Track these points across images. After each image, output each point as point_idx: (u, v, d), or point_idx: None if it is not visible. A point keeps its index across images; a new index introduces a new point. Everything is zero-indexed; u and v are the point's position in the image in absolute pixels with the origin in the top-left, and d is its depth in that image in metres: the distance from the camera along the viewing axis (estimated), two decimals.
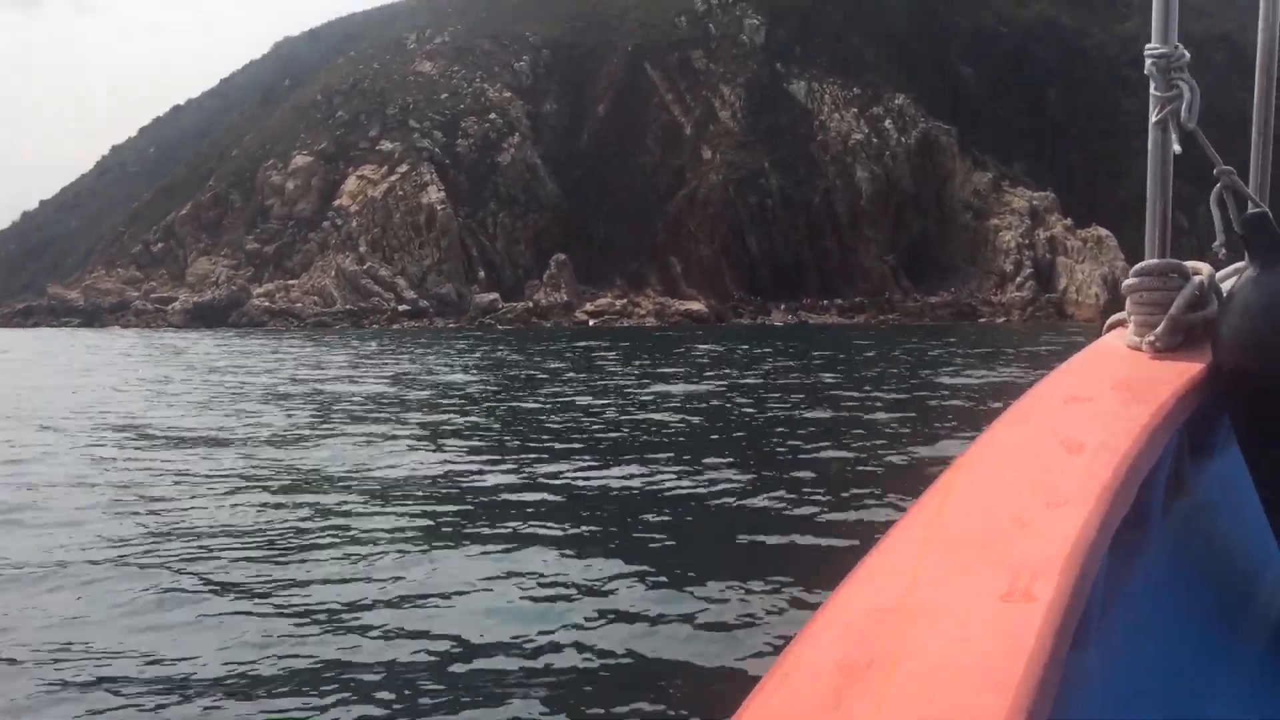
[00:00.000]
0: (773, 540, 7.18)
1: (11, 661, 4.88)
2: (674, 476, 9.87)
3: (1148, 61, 1.68)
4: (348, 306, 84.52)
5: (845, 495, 8.67)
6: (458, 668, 4.77)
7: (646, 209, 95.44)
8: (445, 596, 5.87)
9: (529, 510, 8.36)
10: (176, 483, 9.75)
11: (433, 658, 4.89)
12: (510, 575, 6.27)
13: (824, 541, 6.98)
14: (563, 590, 5.98)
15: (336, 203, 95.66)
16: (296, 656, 4.88)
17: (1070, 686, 0.89)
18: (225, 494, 9.14)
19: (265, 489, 9.45)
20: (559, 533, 7.54)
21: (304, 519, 8.06)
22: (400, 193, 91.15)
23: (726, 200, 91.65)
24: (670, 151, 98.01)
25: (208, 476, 10.07)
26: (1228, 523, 1.69)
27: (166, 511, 8.35)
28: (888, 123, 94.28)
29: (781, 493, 8.77)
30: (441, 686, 4.55)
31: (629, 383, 22.40)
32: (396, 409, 17.06)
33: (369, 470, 10.47)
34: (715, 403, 17.67)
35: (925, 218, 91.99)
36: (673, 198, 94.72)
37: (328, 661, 4.82)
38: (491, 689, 4.52)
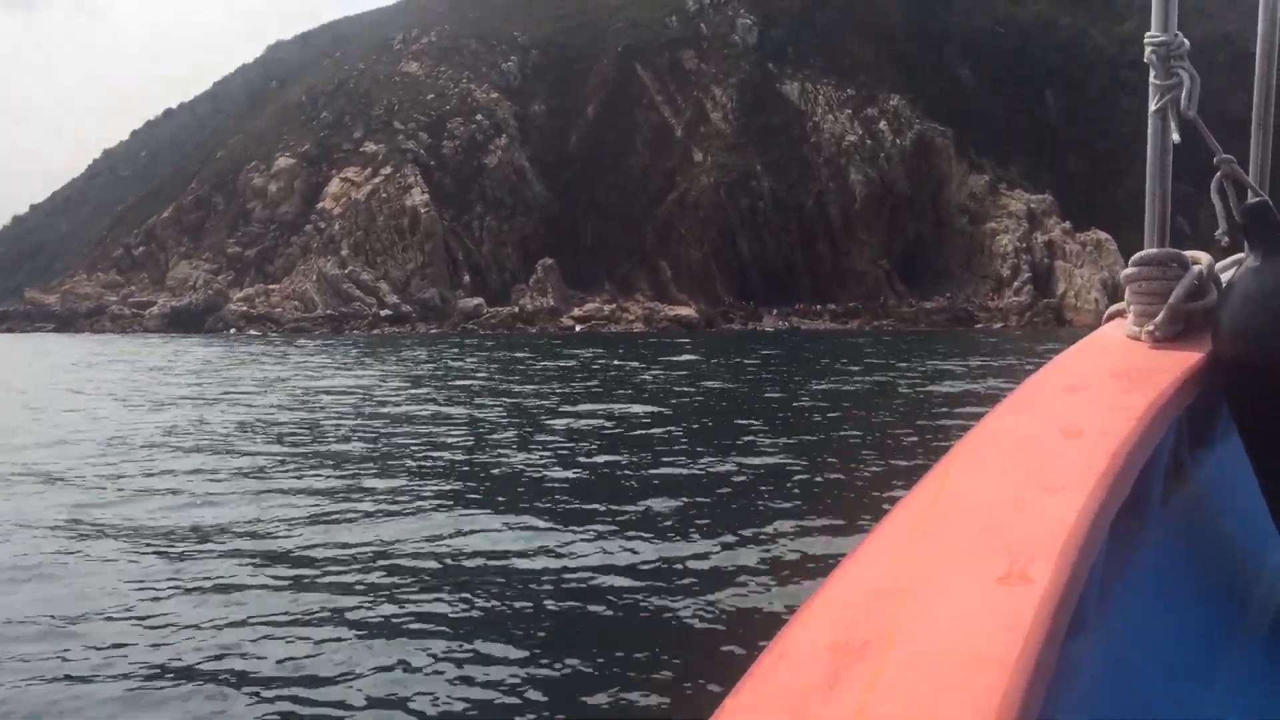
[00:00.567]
0: (764, 531, 7.31)
1: None
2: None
3: (1147, 49, 1.68)
4: (328, 312, 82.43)
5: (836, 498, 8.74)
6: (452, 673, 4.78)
7: (636, 212, 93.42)
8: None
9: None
10: None
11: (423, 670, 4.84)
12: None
13: (818, 532, 7.20)
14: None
15: (319, 205, 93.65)
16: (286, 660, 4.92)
17: (1067, 671, 0.89)
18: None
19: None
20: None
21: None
22: (383, 195, 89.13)
23: (717, 203, 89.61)
24: (660, 153, 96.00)
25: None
26: (1227, 511, 1.70)
27: None
28: (882, 124, 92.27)
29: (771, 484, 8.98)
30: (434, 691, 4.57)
31: (537, 405, 20.21)
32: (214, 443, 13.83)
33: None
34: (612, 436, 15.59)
35: (920, 221, 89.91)
36: (663, 200, 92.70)
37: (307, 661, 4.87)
38: (487, 681, 4.63)
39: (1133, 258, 1.73)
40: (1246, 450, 1.59)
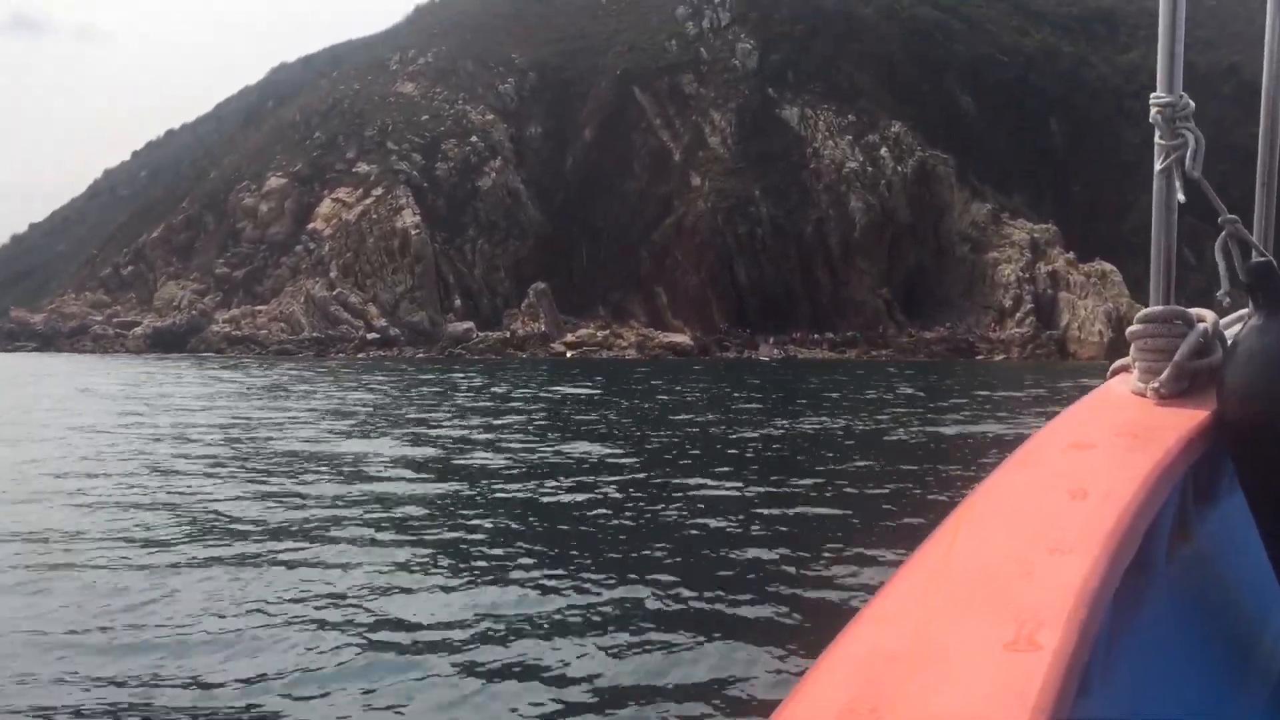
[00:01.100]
0: (772, 589, 6.98)
1: None
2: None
3: (1153, 110, 1.70)
4: (315, 334, 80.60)
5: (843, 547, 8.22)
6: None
7: (632, 237, 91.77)
8: None
9: None
10: None
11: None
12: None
13: (824, 590, 6.89)
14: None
15: (310, 226, 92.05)
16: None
17: None
18: None
19: None
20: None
21: None
22: (374, 216, 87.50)
23: (715, 229, 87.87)
24: (657, 178, 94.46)
25: None
26: (1232, 569, 1.69)
27: None
28: (883, 151, 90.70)
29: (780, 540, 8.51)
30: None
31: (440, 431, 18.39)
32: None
33: None
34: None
35: (921, 249, 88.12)
36: (659, 226, 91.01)
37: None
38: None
39: (1138, 315, 1.75)
40: (1250, 508, 1.60)
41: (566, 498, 11.09)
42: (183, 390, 32.19)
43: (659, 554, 8.17)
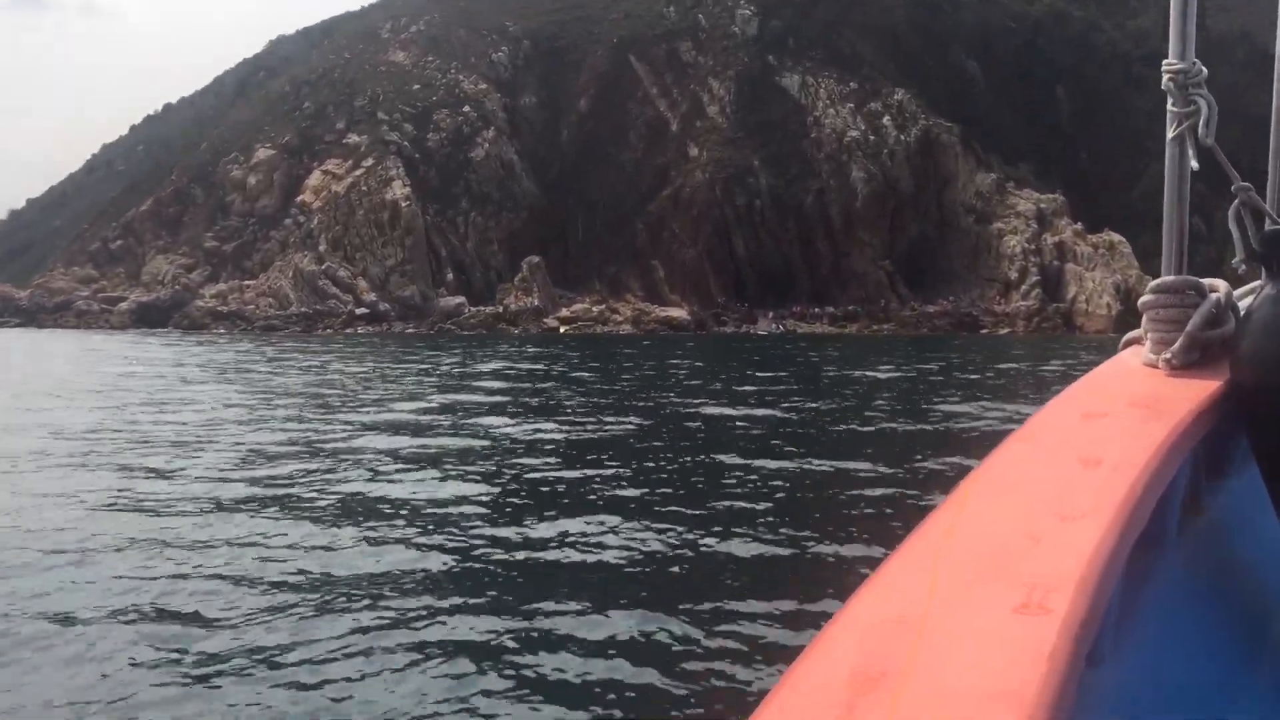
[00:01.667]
0: (783, 555, 7.05)
1: None
2: None
3: (1165, 77, 1.70)
4: (303, 309, 78.81)
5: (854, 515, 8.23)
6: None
7: (629, 209, 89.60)
8: None
9: None
10: None
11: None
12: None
13: (833, 557, 6.94)
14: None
15: (299, 199, 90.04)
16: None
17: (1084, 703, 0.88)
18: None
19: None
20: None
21: None
22: (364, 188, 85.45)
23: (713, 200, 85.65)
24: (654, 148, 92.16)
25: None
26: (1245, 542, 1.68)
27: None
28: (886, 119, 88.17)
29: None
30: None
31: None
32: None
33: None
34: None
35: (924, 221, 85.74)
36: (656, 197, 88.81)
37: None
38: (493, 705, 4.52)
39: (1150, 285, 1.72)
40: (1264, 480, 1.58)
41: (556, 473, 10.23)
42: (105, 369, 30.01)
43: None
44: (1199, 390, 1.51)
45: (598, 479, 10.34)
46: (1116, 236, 77.43)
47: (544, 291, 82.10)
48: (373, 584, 6.37)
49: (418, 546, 7.43)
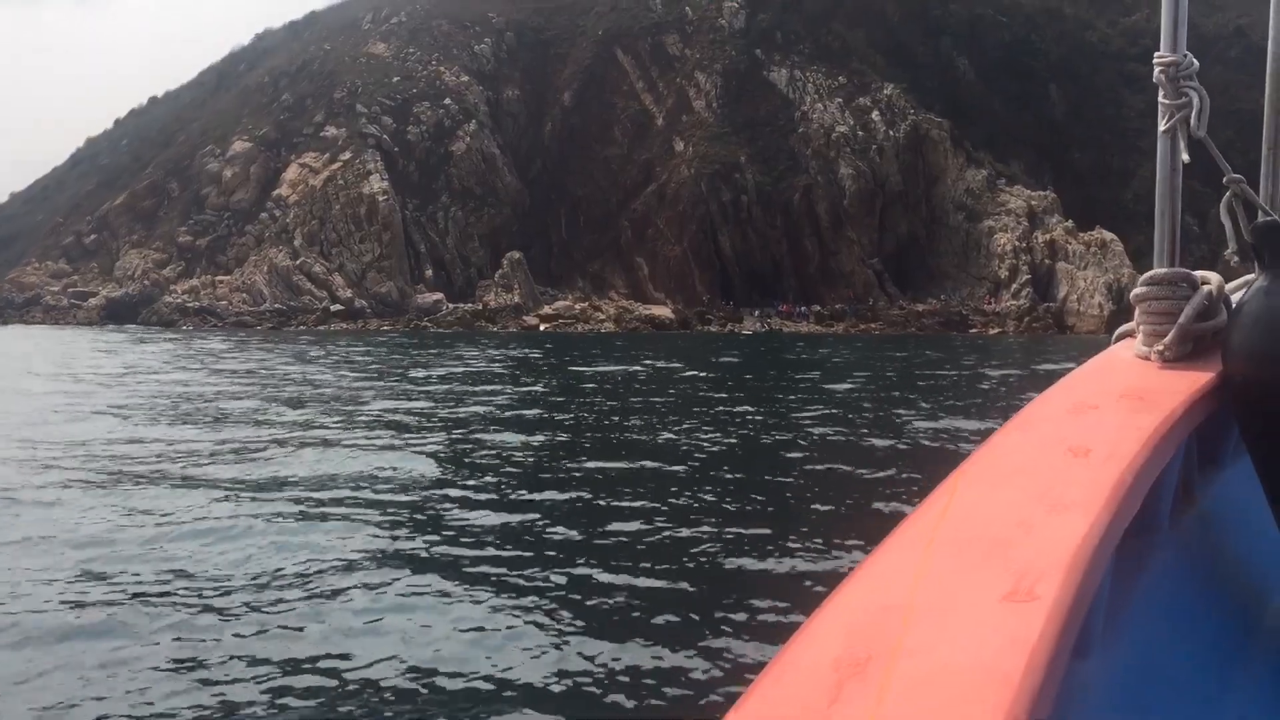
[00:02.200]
0: (768, 549, 6.99)
1: None
2: None
3: (1156, 70, 1.69)
4: (276, 305, 76.86)
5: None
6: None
7: (613, 205, 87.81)
8: None
9: None
10: None
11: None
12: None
13: (820, 547, 6.94)
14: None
15: (276, 192, 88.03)
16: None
17: (1075, 692, 0.88)
18: None
19: None
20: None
21: None
22: (341, 182, 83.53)
23: (698, 197, 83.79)
24: (639, 143, 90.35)
25: None
26: (1237, 533, 1.69)
27: None
28: (875, 115, 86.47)
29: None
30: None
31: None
32: None
33: None
34: None
35: (913, 218, 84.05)
36: (641, 194, 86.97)
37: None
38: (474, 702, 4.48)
39: (1142, 278, 1.72)
40: (1257, 472, 1.58)
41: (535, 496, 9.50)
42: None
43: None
44: (1191, 382, 1.50)
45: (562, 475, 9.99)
46: (1109, 235, 75.90)
47: (525, 288, 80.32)
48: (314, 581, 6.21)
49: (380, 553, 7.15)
